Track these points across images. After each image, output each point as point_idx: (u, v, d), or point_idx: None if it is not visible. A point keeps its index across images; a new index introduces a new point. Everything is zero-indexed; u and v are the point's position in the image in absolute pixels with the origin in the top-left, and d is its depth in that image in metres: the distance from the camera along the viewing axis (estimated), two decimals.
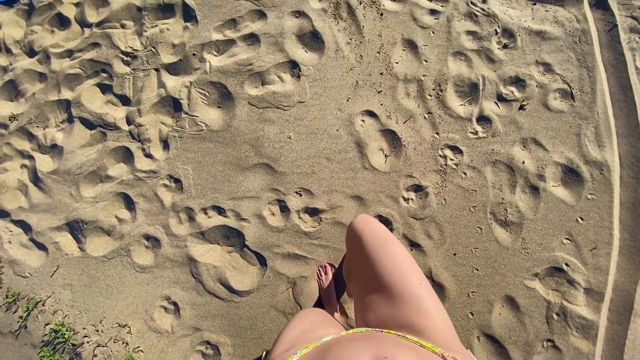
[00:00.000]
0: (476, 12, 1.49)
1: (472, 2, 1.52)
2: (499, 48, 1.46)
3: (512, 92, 1.41)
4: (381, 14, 1.48)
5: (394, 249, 0.65)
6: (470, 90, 1.41)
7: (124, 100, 1.40)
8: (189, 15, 1.46)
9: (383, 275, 0.62)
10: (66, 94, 1.41)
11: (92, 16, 1.49)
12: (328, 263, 1.33)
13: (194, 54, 1.37)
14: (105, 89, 1.43)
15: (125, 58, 1.42)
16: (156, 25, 1.42)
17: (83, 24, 1.47)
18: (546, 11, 1.49)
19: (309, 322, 0.62)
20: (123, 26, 1.44)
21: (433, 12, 1.50)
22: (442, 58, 1.42)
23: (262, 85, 1.36)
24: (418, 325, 0.53)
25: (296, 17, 1.46)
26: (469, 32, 1.47)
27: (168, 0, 1.43)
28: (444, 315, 0.56)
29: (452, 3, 1.47)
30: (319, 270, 1.35)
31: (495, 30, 1.49)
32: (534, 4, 1.51)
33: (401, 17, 1.47)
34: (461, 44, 1.43)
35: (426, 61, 1.44)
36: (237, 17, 1.42)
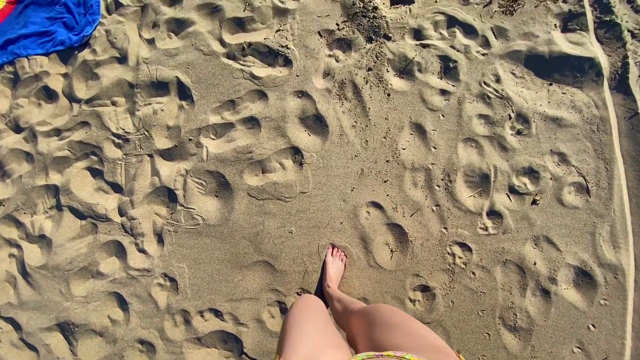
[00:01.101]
0: (489, 94, 1.70)
1: (485, 82, 1.73)
2: (512, 134, 1.68)
3: (525, 184, 1.62)
4: (388, 95, 1.69)
5: (386, 307, 1.02)
6: (481, 181, 1.63)
7: (116, 188, 1.60)
8: (184, 93, 1.66)
9: (378, 317, 0.92)
10: (54, 178, 1.61)
11: (81, 90, 1.68)
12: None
13: (189, 139, 1.57)
14: (95, 173, 1.63)
15: (116, 141, 1.62)
16: (149, 104, 1.62)
17: (71, 98, 1.67)
18: (563, 93, 1.70)
19: (314, 338, 0.75)
20: (114, 103, 1.63)
21: (443, 92, 1.71)
22: (452, 145, 1.63)
23: (262, 173, 1.57)
24: (412, 345, 0.67)
25: (299, 97, 1.67)
26: (481, 116, 1.68)
27: (162, 78, 1.63)
28: (436, 336, 0.71)
29: (464, 82, 1.67)
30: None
31: (509, 114, 1.70)
32: (550, 84, 1.72)
33: (409, 98, 1.69)
34: (472, 130, 1.64)
35: (435, 148, 1.65)
36: (235, 98, 1.63)
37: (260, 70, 1.61)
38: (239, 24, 1.66)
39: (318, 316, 0.86)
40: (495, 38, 1.73)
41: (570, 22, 1.76)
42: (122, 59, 1.64)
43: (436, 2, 1.74)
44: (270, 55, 1.63)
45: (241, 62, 1.63)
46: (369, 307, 0.89)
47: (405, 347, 0.66)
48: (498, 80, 1.66)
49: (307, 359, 0.64)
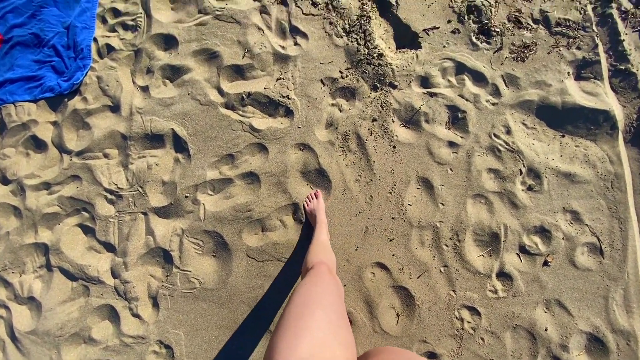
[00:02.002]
0: (499, 146, 1.88)
1: (495, 134, 1.90)
2: (523, 190, 1.85)
3: (537, 244, 1.78)
4: (394, 147, 1.87)
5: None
6: (491, 240, 1.80)
7: (109, 247, 1.78)
8: (180, 146, 1.84)
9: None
10: (44, 235, 1.79)
11: (72, 140, 1.87)
12: (317, 190, 1.93)
13: (186, 196, 1.77)
14: (87, 230, 1.81)
15: (109, 197, 1.80)
16: (143, 157, 1.80)
17: (61, 149, 1.86)
18: (576, 147, 1.87)
19: (318, 334, 0.73)
20: (106, 156, 1.82)
21: (452, 144, 1.89)
22: (461, 201, 1.81)
23: (262, 232, 1.74)
24: None
25: (300, 149, 1.85)
26: (490, 170, 1.86)
27: (156, 130, 1.82)
28: None
29: (473, 134, 1.85)
30: (309, 195, 1.91)
31: (520, 169, 1.88)
32: (563, 136, 1.90)
33: (416, 151, 1.86)
34: (482, 185, 1.81)
35: (443, 204, 1.82)
36: (234, 152, 1.80)
37: (260, 121, 1.79)
38: (238, 72, 1.85)
39: (332, 299, 0.87)
40: (506, 86, 1.92)
41: (584, 69, 2.13)
42: (115, 108, 1.82)
43: (444, 47, 1.93)
44: (271, 106, 1.81)
45: (240, 112, 1.81)
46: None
47: None
48: (508, 131, 1.84)
49: (307, 357, 0.63)
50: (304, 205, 1.82)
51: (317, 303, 0.85)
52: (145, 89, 1.92)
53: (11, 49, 2.05)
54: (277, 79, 1.91)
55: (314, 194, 1.84)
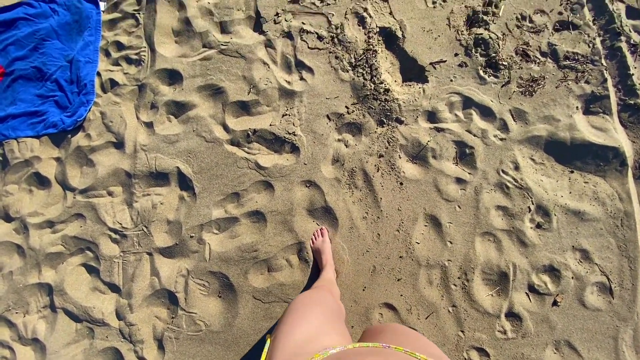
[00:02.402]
0: (507, 183, 1.96)
1: (503, 170, 1.99)
2: (532, 228, 1.93)
3: (546, 283, 1.87)
4: (401, 183, 1.95)
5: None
6: (500, 279, 1.88)
7: (113, 288, 1.87)
8: (185, 184, 1.94)
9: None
10: (47, 275, 1.89)
11: (75, 177, 1.97)
12: (324, 227, 2.05)
13: (191, 236, 1.86)
14: (91, 270, 1.91)
15: (113, 236, 1.90)
16: (148, 194, 1.90)
17: (65, 186, 1.96)
18: (585, 183, 1.96)
19: (314, 322, 0.79)
20: (110, 194, 1.92)
21: (459, 180, 1.97)
22: (469, 239, 1.89)
23: (268, 272, 1.83)
24: (418, 349, 0.70)
25: (307, 186, 1.93)
26: (499, 207, 1.95)
27: (161, 169, 1.92)
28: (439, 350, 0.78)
29: (481, 170, 1.94)
30: (315, 233, 2.01)
31: (529, 206, 1.96)
32: (572, 172, 1.99)
33: (423, 187, 1.95)
34: (490, 223, 1.90)
35: (451, 242, 1.91)
36: (240, 191, 1.89)
37: (266, 158, 1.89)
38: (244, 107, 1.96)
39: (327, 306, 0.93)
40: (514, 121, 2.03)
41: (592, 104, 2.27)
42: (119, 145, 1.93)
43: (451, 81, 2.03)
44: (277, 142, 1.92)
45: (246, 149, 1.91)
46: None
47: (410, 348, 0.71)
48: (517, 167, 1.95)
49: (291, 354, 0.66)
50: (310, 244, 1.99)
51: (315, 303, 0.93)
52: (149, 125, 2.02)
53: (13, 82, 2.16)
54: (283, 115, 2.02)
55: (320, 231, 1.99)
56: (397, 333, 0.92)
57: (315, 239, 1.94)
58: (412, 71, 2.22)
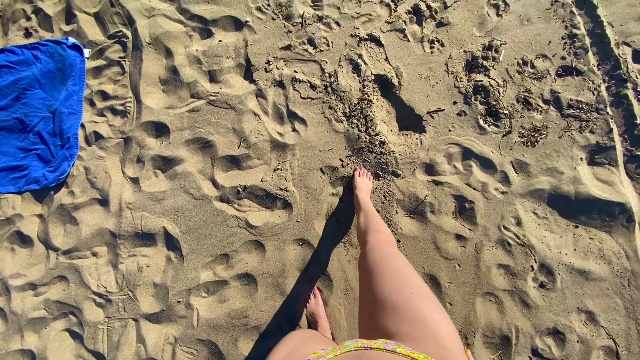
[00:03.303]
0: (509, 240, 2.10)
1: (504, 226, 2.13)
2: (535, 288, 2.07)
3: (550, 347, 2.00)
4: (398, 240, 2.10)
5: (394, 263, 1.05)
6: (501, 343, 2.01)
7: (98, 356, 2.00)
8: (172, 244, 2.07)
9: (379, 288, 0.96)
10: (30, 341, 2.04)
11: (58, 236, 2.13)
12: (317, 288, 2.22)
13: (178, 302, 1.98)
14: (75, 335, 2.04)
15: (97, 300, 2.05)
16: (134, 255, 2.05)
17: (48, 245, 2.09)
18: (590, 239, 2.10)
19: (296, 341, 0.90)
20: (95, 254, 2.07)
21: (459, 237, 2.11)
22: (470, 300, 2.02)
23: (259, 339, 1.95)
24: (411, 334, 0.77)
25: (299, 245, 2.07)
26: (500, 266, 2.09)
27: (147, 229, 2.07)
28: (441, 321, 0.81)
29: (482, 226, 2.08)
30: (308, 296, 2.15)
31: (532, 265, 2.10)
32: (576, 226, 2.13)
33: (421, 245, 2.09)
34: (491, 282, 2.04)
35: (451, 304, 2.04)
36: (230, 252, 2.02)
37: (257, 215, 2.05)
38: (233, 162, 2.13)
39: (299, 335, 1.03)
40: (516, 173, 2.19)
41: (597, 155, 2.22)
42: (104, 202, 2.10)
43: (450, 131, 2.20)
44: (268, 199, 2.08)
45: (236, 206, 2.07)
46: (377, 263, 1.10)
47: (402, 336, 0.78)
48: (519, 222, 2.11)
49: (289, 352, 0.81)
50: (304, 307, 2.14)
51: (293, 336, 1.00)
52: (135, 181, 2.19)
53: None
54: (275, 169, 2.19)
55: (313, 292, 2.14)
56: (388, 302, 0.97)
57: (308, 301, 2.09)
58: (409, 120, 2.38)
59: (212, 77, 2.37)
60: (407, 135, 2.48)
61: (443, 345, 0.75)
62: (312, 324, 2.07)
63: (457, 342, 0.77)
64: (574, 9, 2.51)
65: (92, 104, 2.59)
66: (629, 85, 2.44)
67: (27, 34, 2.70)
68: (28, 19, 2.59)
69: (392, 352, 0.68)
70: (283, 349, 0.87)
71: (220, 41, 2.45)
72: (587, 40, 2.46)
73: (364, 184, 2.13)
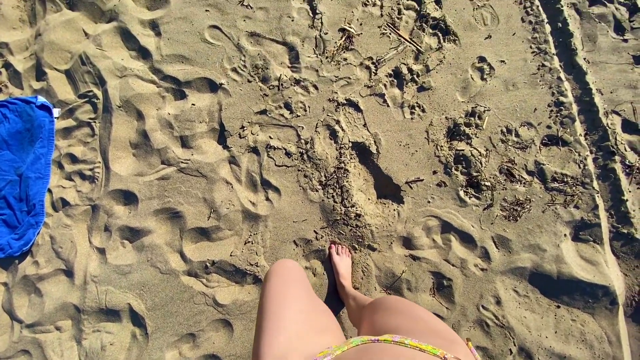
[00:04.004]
0: (488, 320, 2.21)
1: (483, 306, 2.22)
2: None
3: None
4: None
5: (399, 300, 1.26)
6: None
7: None
8: (137, 320, 2.17)
9: (383, 302, 1.22)
10: None
11: (22, 307, 2.32)
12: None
13: None
14: None
15: None
16: (98, 331, 2.15)
17: (12, 316, 2.19)
18: (572, 321, 2.19)
19: (294, 326, 0.91)
20: (58, 328, 2.18)
21: (436, 317, 2.18)
22: None
23: None
24: (413, 330, 0.86)
25: None
26: (478, 348, 2.19)
27: (112, 305, 2.19)
28: (441, 322, 0.97)
29: (460, 305, 2.21)
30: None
31: (510, 349, 2.19)
32: (558, 306, 2.23)
33: None
34: None
35: None
36: (196, 331, 2.11)
37: (226, 292, 2.17)
38: (203, 233, 2.23)
39: (298, 292, 1.07)
40: (497, 248, 2.28)
41: (582, 231, 2.31)
42: (69, 273, 2.21)
43: (429, 202, 2.29)
44: (238, 274, 2.19)
45: (204, 281, 2.18)
46: (378, 298, 1.25)
47: (404, 331, 0.87)
48: (498, 302, 2.20)
49: (285, 352, 0.80)
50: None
51: (287, 298, 1.02)
52: (102, 251, 2.32)
53: None
54: (246, 242, 2.30)
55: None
56: (394, 312, 1.08)
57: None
58: (387, 188, 2.49)
59: (184, 142, 2.50)
60: (384, 204, 2.58)
61: (448, 339, 0.83)
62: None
63: (459, 337, 0.85)
64: (562, 75, 2.62)
65: (60, 166, 2.73)
66: (617, 158, 2.55)
67: None
68: None
69: (400, 343, 0.72)
70: (280, 338, 0.87)
71: (194, 105, 2.57)
72: (575, 109, 2.57)
73: (345, 268, 2.38)
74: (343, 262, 2.29)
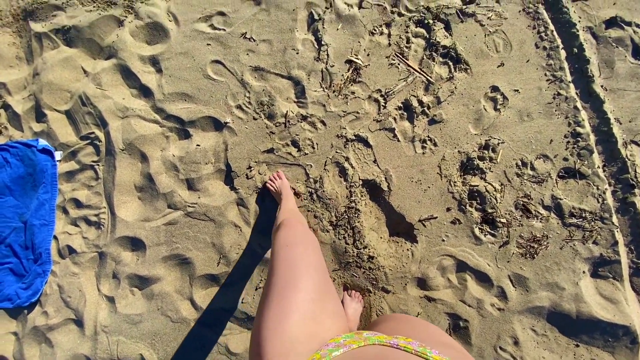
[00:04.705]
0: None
1: (500, 347, 2.29)
2: None
3: None
4: None
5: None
6: None
7: None
8: None
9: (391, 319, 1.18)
10: None
11: (33, 358, 2.25)
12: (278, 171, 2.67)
13: None
14: None
15: None
16: None
17: None
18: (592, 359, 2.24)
19: (306, 305, 0.89)
20: None
21: None
22: None
23: None
24: (427, 341, 0.82)
25: None
26: None
27: (123, 356, 2.46)
28: (452, 339, 0.96)
29: (477, 347, 2.42)
30: (270, 179, 2.59)
31: None
32: (577, 345, 2.32)
33: None
34: None
35: None
36: None
37: (238, 340, 2.24)
38: (213, 279, 2.20)
39: (317, 264, 1.05)
40: (514, 287, 2.29)
41: (601, 267, 2.35)
42: (78, 322, 2.23)
43: (443, 241, 2.29)
44: (249, 321, 2.17)
45: (216, 329, 2.13)
46: (387, 315, 1.43)
47: (419, 340, 0.81)
48: (516, 342, 2.23)
49: (285, 350, 0.76)
50: (267, 186, 2.58)
51: (301, 269, 1.00)
52: (111, 300, 2.36)
53: None
54: (256, 288, 2.28)
55: (276, 174, 2.56)
56: (403, 321, 1.07)
57: (274, 181, 2.52)
58: (400, 226, 2.48)
59: (190, 185, 2.50)
60: (397, 243, 2.57)
61: (464, 353, 0.81)
62: (277, 198, 2.49)
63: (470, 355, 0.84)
64: (579, 104, 2.56)
65: (65, 211, 2.74)
66: (637, 191, 2.48)
67: None
68: None
69: (422, 356, 0.70)
70: (293, 318, 0.83)
71: (199, 145, 2.56)
72: (592, 139, 2.53)
73: (352, 311, 2.42)
74: (352, 305, 2.28)
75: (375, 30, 2.88)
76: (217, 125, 2.86)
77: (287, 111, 2.82)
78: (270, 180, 2.59)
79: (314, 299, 0.91)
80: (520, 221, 2.70)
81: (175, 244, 2.78)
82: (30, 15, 3.05)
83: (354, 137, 2.81)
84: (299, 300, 0.88)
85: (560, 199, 2.69)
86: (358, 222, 2.75)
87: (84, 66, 3.03)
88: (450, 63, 2.83)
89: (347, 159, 2.81)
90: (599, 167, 2.69)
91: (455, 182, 2.80)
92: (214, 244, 2.79)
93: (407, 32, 2.85)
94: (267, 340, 0.78)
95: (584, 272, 2.62)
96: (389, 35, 2.86)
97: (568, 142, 2.72)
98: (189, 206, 2.82)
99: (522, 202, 2.74)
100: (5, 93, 3.08)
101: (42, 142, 2.90)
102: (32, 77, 3.06)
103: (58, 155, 2.93)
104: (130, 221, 2.82)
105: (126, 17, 2.97)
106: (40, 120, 3.05)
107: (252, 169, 2.84)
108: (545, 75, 2.77)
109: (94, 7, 3.01)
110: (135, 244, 2.82)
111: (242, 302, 2.67)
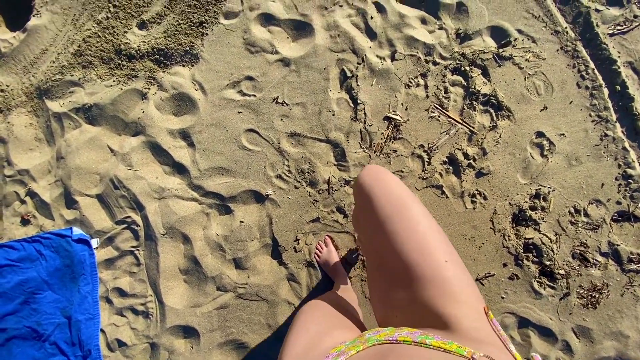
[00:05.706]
0: None
1: None
2: None
3: None
4: None
5: (412, 215, 0.94)
6: None
7: None
8: None
9: (399, 250, 0.89)
10: None
11: None
12: (327, 235, 2.64)
13: None
14: None
15: None
16: None
17: None
18: None
19: (314, 326, 0.95)
20: None
21: None
22: None
23: None
24: (443, 315, 0.80)
25: None
26: None
27: None
28: (474, 296, 0.86)
29: None
30: (318, 246, 2.59)
31: None
32: None
33: None
34: None
35: None
36: None
37: None
38: None
39: (317, 316, 1.08)
40: (578, 339, 2.27)
41: None
42: None
43: (503, 298, 2.32)
44: None
45: None
46: (388, 216, 1.00)
47: (417, 304, 0.85)
48: None
49: (308, 343, 0.84)
50: (315, 258, 2.60)
51: (316, 307, 1.07)
52: None
53: (7, 342, 2.40)
54: None
55: (324, 241, 2.54)
56: (394, 271, 1.03)
57: (320, 251, 2.52)
58: None
59: (238, 264, 2.53)
60: None
61: (481, 319, 0.79)
62: (327, 271, 2.52)
63: (475, 298, 0.82)
64: (627, 144, 2.54)
65: (109, 301, 2.76)
66: None
67: (24, 221, 2.72)
68: (22, 202, 2.60)
69: (421, 344, 0.70)
70: (300, 339, 0.90)
71: (242, 222, 2.54)
72: None
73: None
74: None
75: (411, 82, 2.84)
76: (259, 198, 2.99)
77: (329, 177, 2.81)
78: (317, 249, 2.66)
79: (322, 321, 0.97)
80: (578, 271, 2.73)
81: (230, 329, 2.89)
82: (45, 94, 2.96)
83: None
84: (309, 323, 0.93)
85: (617, 245, 2.70)
86: None
87: (110, 144, 2.99)
88: (492, 111, 2.81)
89: None
90: None
91: (509, 235, 2.80)
92: (269, 325, 2.80)
93: (444, 82, 2.82)
94: None
95: None
96: (426, 86, 2.83)
97: (620, 184, 2.72)
98: (239, 287, 2.92)
99: (579, 251, 2.76)
100: (30, 180, 3.01)
101: (77, 231, 2.84)
102: (57, 160, 3.00)
103: (95, 242, 2.86)
104: (179, 308, 2.94)
105: (149, 89, 2.91)
106: (70, 207, 3.12)
107: (299, 241, 2.82)
108: (590, 115, 2.76)
109: (114, 81, 2.94)
110: (188, 332, 2.96)
111: None
